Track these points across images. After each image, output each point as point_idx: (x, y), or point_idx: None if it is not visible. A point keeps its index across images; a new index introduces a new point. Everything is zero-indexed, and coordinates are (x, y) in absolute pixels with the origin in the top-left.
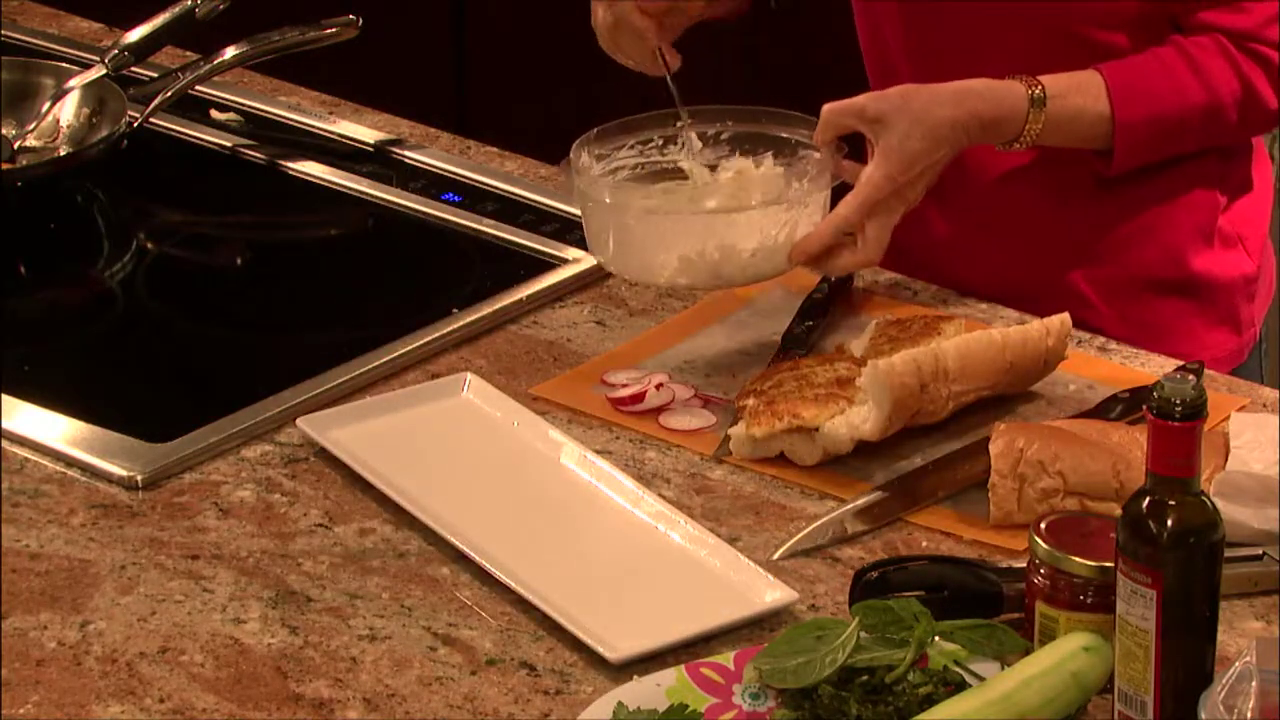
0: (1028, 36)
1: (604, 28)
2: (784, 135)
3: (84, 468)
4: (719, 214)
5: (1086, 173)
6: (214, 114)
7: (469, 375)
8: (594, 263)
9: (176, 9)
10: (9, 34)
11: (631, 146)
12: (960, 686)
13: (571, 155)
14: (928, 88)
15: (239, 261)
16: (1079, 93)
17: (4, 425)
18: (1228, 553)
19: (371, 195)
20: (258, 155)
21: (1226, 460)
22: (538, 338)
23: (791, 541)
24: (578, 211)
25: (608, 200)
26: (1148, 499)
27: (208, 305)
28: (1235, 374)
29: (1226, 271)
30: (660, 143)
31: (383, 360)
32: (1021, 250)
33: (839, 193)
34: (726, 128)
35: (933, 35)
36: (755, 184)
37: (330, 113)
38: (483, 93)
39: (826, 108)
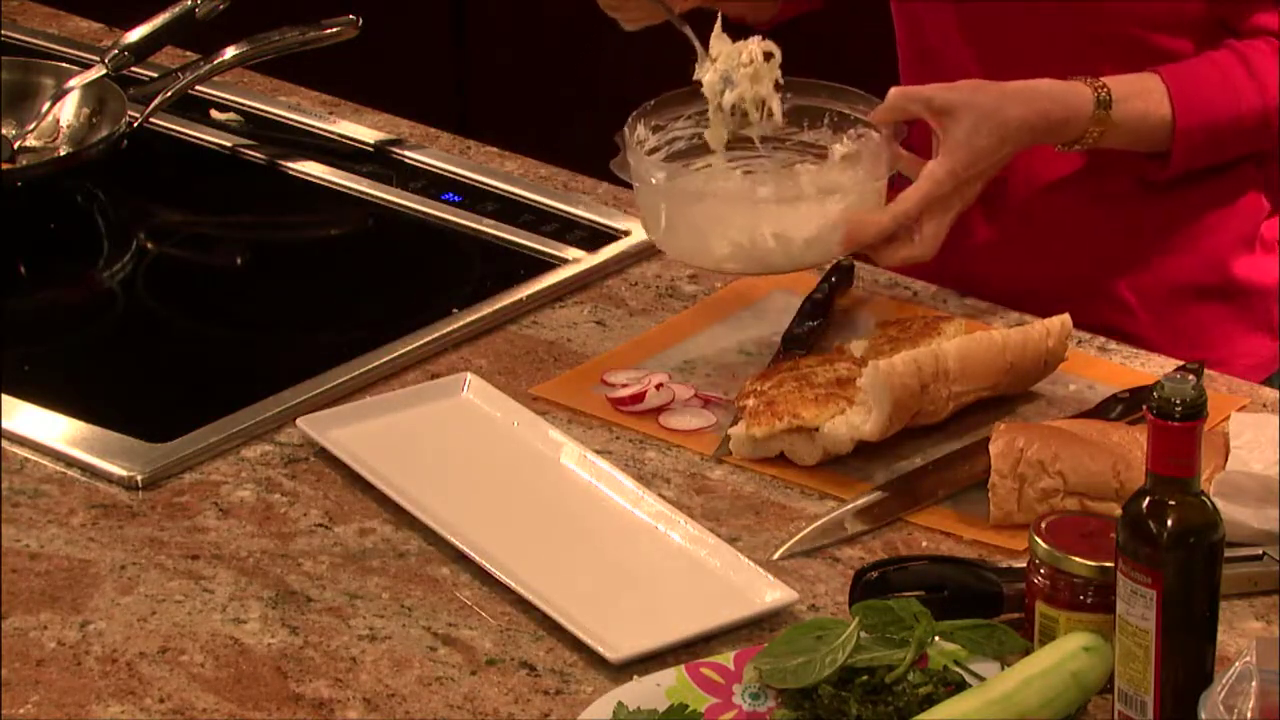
0: (1085, 39)
1: None
2: (844, 110)
3: (84, 468)
4: (773, 203)
5: (1132, 179)
6: (214, 114)
7: (469, 375)
8: (594, 263)
9: (176, 9)
10: (9, 34)
11: (688, 117)
12: (960, 686)
13: (626, 130)
14: (996, 85)
15: (239, 261)
16: (1141, 96)
17: (4, 425)
18: (1228, 553)
19: (371, 195)
20: (258, 155)
21: (1226, 460)
22: (538, 338)
23: (791, 541)
24: (577, 210)
25: (662, 181)
26: (1148, 499)
27: (208, 305)
28: (1270, 381)
29: (1265, 278)
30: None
31: (383, 360)
32: (1064, 255)
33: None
34: (785, 100)
35: (989, 37)
36: (809, 169)
37: (330, 113)
38: (483, 93)
39: (894, 91)
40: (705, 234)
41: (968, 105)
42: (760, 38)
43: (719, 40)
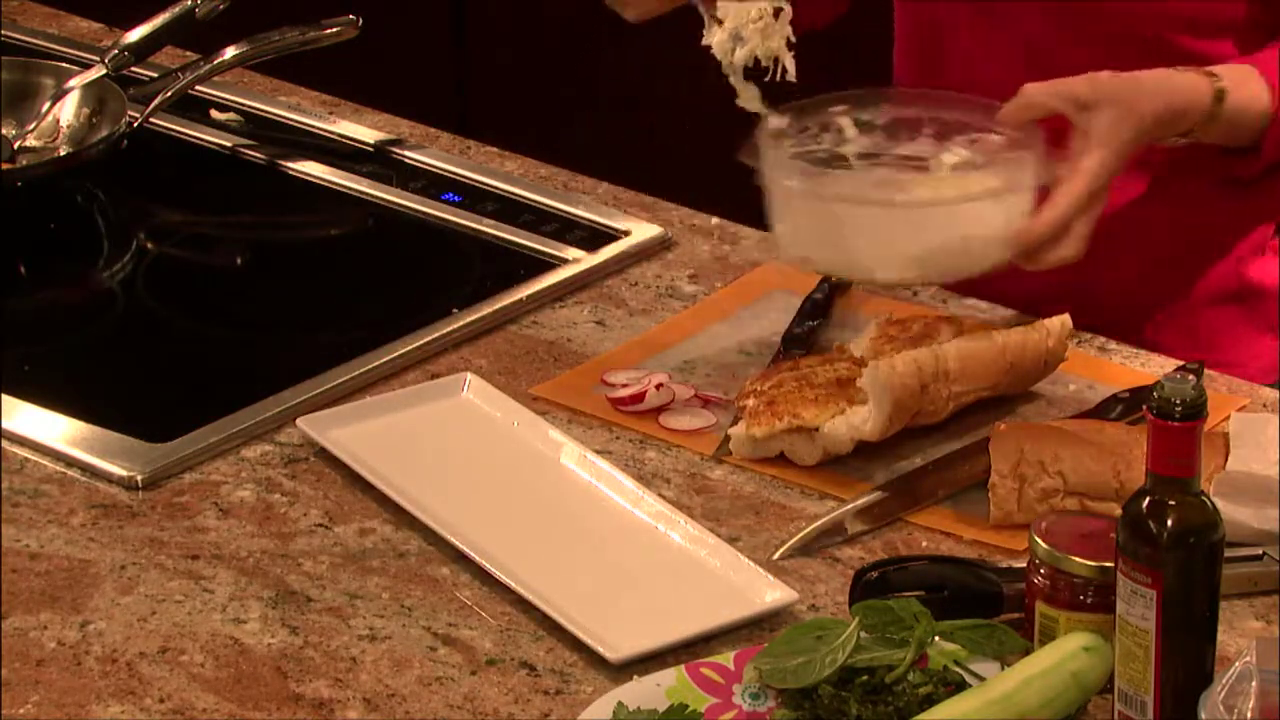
0: (1110, 41)
1: None
2: (948, 117)
3: (84, 468)
4: (961, 204)
5: (1169, 185)
6: (214, 114)
7: (469, 375)
8: (594, 263)
9: (176, 9)
10: (9, 34)
11: (804, 132)
12: (960, 686)
13: (762, 143)
14: (1126, 76)
15: (239, 261)
16: (1242, 87)
17: (4, 425)
18: (1228, 553)
19: (371, 195)
20: (258, 155)
21: (1226, 460)
22: (538, 338)
23: (791, 541)
24: (577, 210)
25: (830, 191)
26: (1148, 499)
27: (208, 305)
28: (1279, 384)
29: (1274, 280)
30: (815, 130)
31: (383, 360)
32: (1096, 262)
33: None
34: (882, 112)
35: (1004, 40)
36: (975, 175)
37: (330, 113)
38: (483, 93)
39: (1031, 88)
40: (888, 244)
41: (1109, 99)
42: None
43: (725, 1)
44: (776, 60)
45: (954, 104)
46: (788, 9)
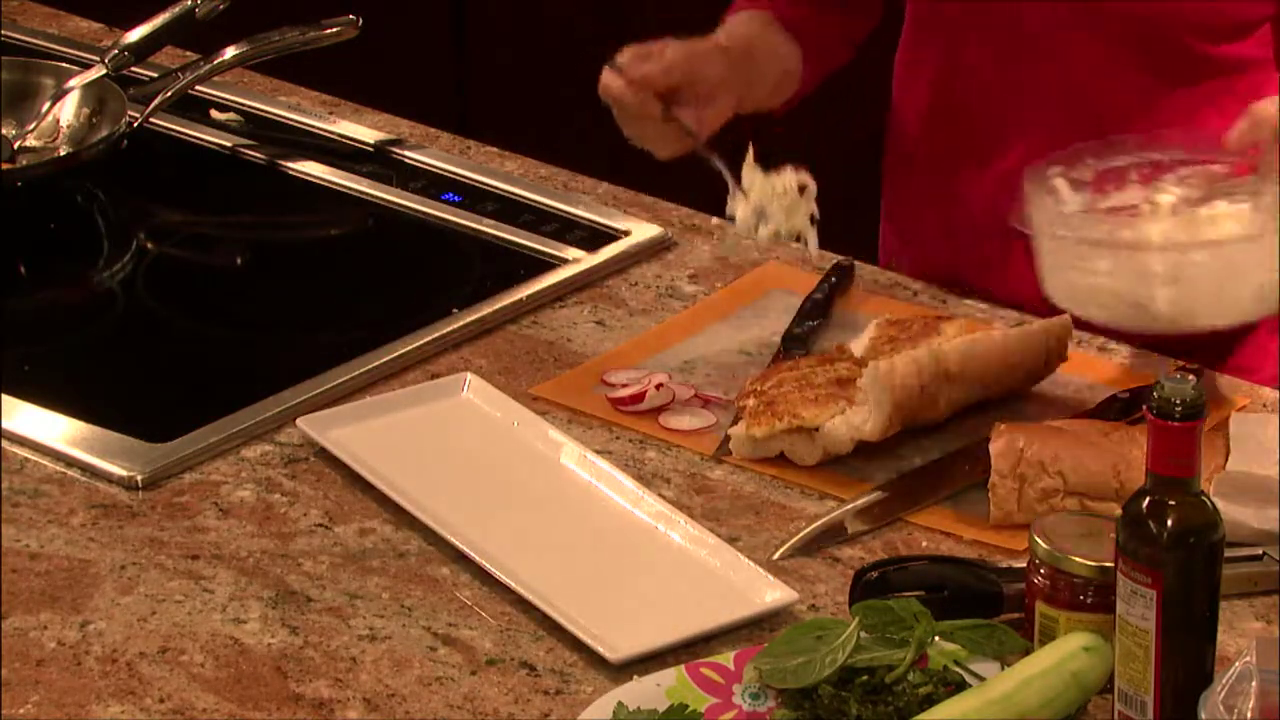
0: (1117, 43)
1: (617, 115)
2: (1151, 159)
3: (84, 468)
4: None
5: None
6: (214, 114)
7: (469, 375)
8: (594, 263)
9: (176, 9)
10: (9, 34)
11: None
12: (960, 686)
13: (1032, 199)
14: None
15: (239, 261)
16: None
17: (4, 425)
18: (1228, 553)
19: (371, 195)
20: (258, 155)
21: (1226, 460)
22: (538, 338)
23: (791, 541)
24: (577, 210)
25: (1140, 239)
26: (1148, 499)
27: (208, 305)
28: None
29: None
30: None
31: (383, 360)
32: None
33: None
34: (1088, 167)
35: (1013, 43)
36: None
37: (330, 113)
38: (483, 93)
39: (1259, 107)
40: (1228, 284)
41: None
42: (794, 169)
43: (751, 171)
44: (798, 235)
45: (1156, 143)
46: (812, 185)
